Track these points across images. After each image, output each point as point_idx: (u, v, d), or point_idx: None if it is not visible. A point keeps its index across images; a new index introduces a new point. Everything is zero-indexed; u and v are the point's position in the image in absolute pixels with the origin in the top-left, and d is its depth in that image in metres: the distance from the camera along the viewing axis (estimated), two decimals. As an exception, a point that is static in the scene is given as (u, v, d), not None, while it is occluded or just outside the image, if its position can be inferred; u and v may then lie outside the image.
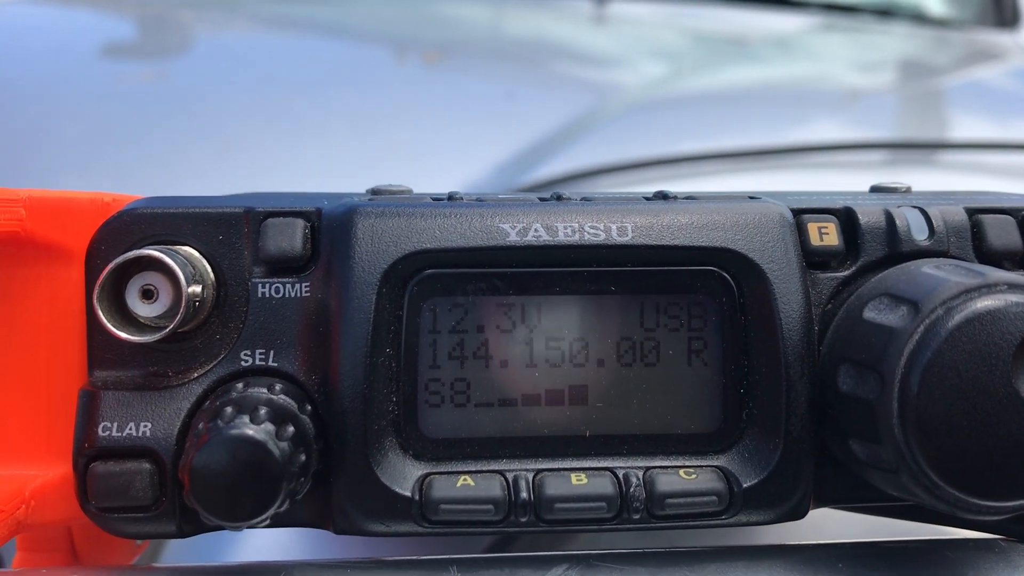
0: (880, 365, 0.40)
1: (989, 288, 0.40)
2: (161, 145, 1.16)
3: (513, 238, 0.44)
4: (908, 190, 0.52)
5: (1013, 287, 0.40)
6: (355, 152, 1.16)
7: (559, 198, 0.47)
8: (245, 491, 0.38)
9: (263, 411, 0.40)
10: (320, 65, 1.45)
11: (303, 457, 0.40)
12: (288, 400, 0.42)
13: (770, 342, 0.44)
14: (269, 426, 0.39)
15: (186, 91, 1.31)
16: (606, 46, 1.83)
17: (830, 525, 0.59)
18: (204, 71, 1.40)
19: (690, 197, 0.48)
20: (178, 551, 0.72)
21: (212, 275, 0.45)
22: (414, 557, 0.45)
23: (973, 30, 2.20)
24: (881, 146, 1.33)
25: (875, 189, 0.53)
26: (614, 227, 0.44)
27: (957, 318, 0.39)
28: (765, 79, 1.72)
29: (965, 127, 1.54)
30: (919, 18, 2.20)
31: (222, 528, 0.43)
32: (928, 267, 0.43)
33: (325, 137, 1.17)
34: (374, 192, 0.49)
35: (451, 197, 0.47)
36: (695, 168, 1.21)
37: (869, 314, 0.42)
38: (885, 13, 2.16)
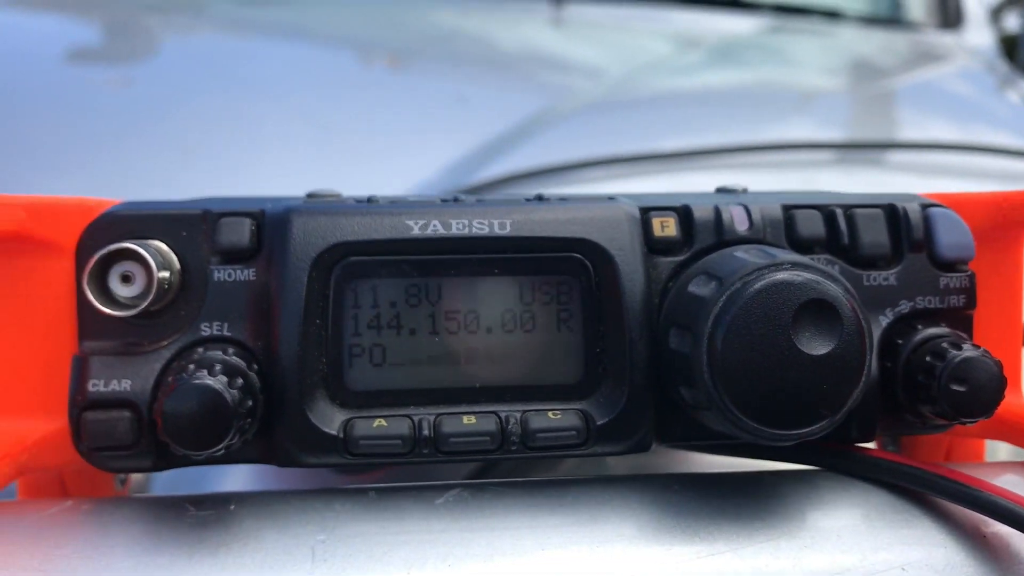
0: (695, 326, 0.52)
1: (776, 267, 0.52)
2: (127, 152, 1.21)
3: (416, 232, 0.56)
4: (744, 190, 0.64)
5: (795, 265, 0.52)
6: (312, 155, 1.22)
7: (456, 200, 0.59)
8: (204, 427, 0.49)
9: (218, 367, 0.51)
10: (283, 70, 1.49)
11: (250, 403, 0.52)
12: (239, 360, 0.53)
13: (618, 312, 0.56)
14: (223, 378, 0.50)
15: (150, 98, 1.35)
16: (563, 48, 1.88)
17: (676, 466, 0.72)
18: (168, 78, 1.44)
19: (562, 199, 0.59)
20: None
21: (178, 264, 0.56)
22: (340, 486, 0.57)
23: (919, 31, 2.20)
24: (820, 146, 1.37)
25: (719, 190, 0.65)
26: (496, 222, 0.56)
27: (751, 289, 0.51)
28: (718, 81, 1.74)
29: (913, 128, 1.59)
30: (866, 20, 2.23)
31: (188, 460, 0.54)
32: (739, 251, 0.55)
33: (285, 142, 1.23)
34: (309, 195, 0.61)
35: (370, 200, 0.58)
36: (638, 168, 1.29)
37: (691, 288, 0.54)
38: (833, 15, 2.22)
